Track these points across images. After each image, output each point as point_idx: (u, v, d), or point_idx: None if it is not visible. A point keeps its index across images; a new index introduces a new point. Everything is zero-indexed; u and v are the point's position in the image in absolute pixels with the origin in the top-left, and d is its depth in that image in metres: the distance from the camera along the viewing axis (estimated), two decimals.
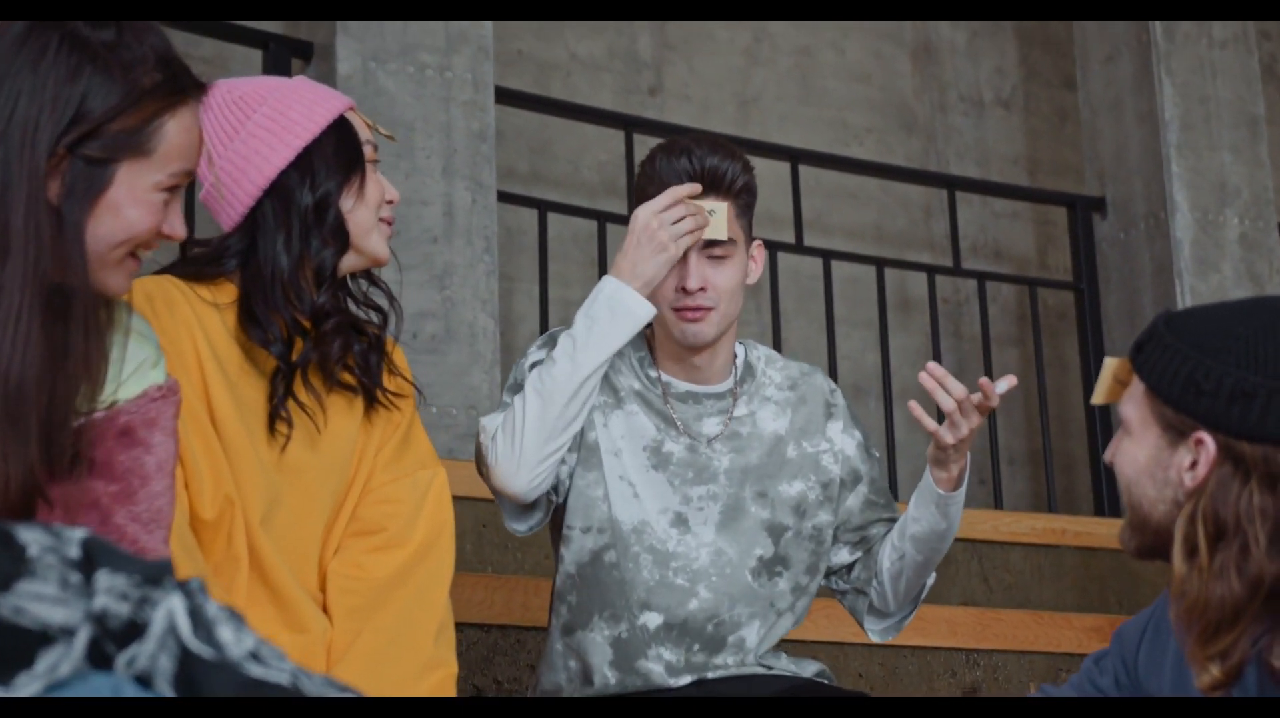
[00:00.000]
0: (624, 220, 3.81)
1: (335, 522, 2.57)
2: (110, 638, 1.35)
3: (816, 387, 3.01)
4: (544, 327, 4.75)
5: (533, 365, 2.86)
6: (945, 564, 4.47)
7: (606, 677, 2.84)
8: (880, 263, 5.49)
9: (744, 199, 2.88)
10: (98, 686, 1.34)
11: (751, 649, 2.89)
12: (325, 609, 2.53)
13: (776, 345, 4.97)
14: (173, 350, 2.36)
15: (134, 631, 1.36)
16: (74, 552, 1.36)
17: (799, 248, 5.34)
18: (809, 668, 2.95)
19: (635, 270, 2.76)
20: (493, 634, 3.80)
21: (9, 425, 1.89)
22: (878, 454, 3.06)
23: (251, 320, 2.49)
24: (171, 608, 1.36)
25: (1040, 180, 6.33)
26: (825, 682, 2.93)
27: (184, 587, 1.38)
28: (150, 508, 2.10)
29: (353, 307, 2.64)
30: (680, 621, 2.85)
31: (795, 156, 5.48)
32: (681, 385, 2.93)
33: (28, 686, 1.31)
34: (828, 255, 5.38)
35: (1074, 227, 5.80)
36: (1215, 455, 2.04)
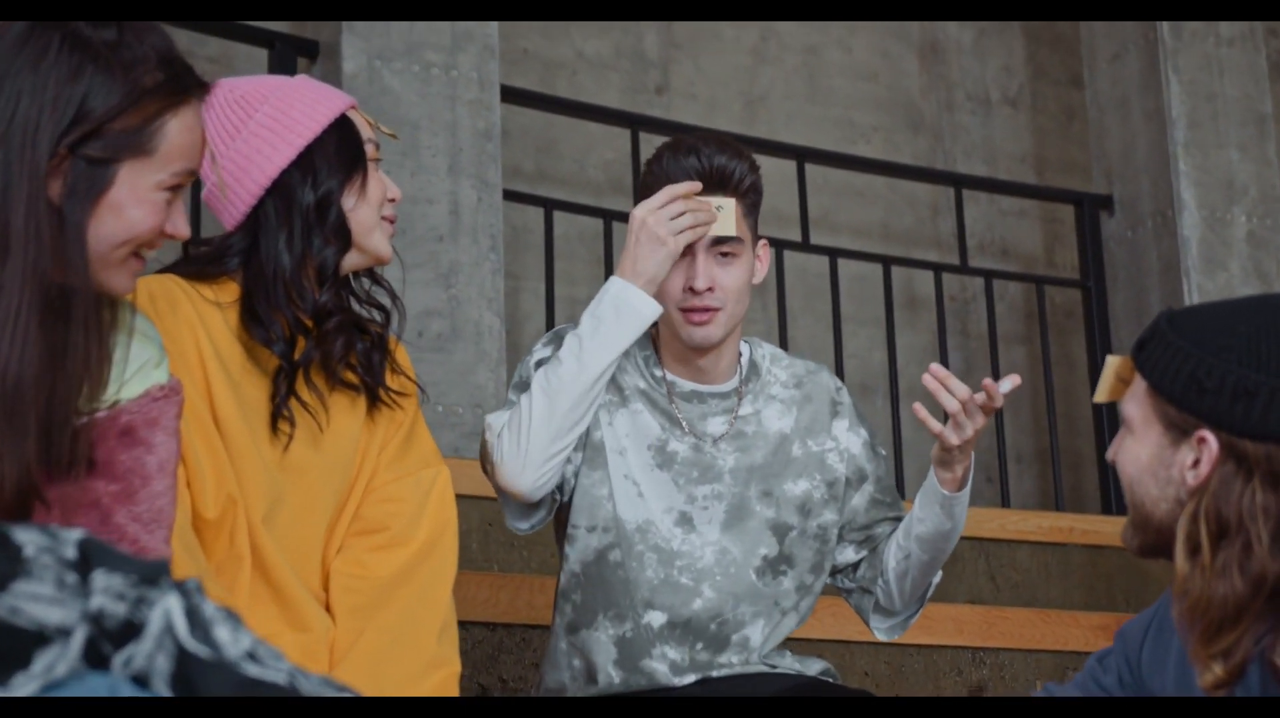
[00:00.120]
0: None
1: (338, 521, 2.57)
2: (107, 638, 1.35)
3: (822, 385, 3.00)
4: (550, 325, 4.75)
5: (538, 364, 2.85)
6: (952, 562, 4.47)
7: (611, 676, 2.84)
8: (887, 261, 5.48)
9: (751, 198, 2.88)
10: (94, 686, 1.34)
11: (756, 648, 2.88)
12: (328, 608, 2.53)
13: (783, 344, 4.97)
14: (175, 350, 2.36)
15: (131, 631, 1.36)
16: (70, 552, 1.36)
17: (806, 246, 5.34)
18: (814, 667, 2.95)
19: (637, 268, 2.76)
20: (498, 633, 3.80)
21: (6, 424, 1.89)
22: (884, 452, 3.05)
23: (254, 319, 2.49)
24: (168, 608, 1.36)
25: (1047, 179, 6.32)
26: (830, 680, 2.93)
27: (181, 587, 1.38)
28: (151, 508, 2.10)
29: (355, 305, 2.64)
30: (684, 620, 2.85)
31: (802, 155, 5.47)
32: (686, 385, 2.92)
33: (24, 686, 1.31)
34: (834, 254, 5.37)
35: (1081, 225, 5.79)
36: (1218, 454, 2.04)
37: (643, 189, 2.87)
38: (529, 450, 2.74)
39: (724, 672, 2.86)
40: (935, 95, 6.28)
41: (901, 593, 2.98)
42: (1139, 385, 2.14)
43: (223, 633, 1.38)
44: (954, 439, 2.76)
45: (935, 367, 2.76)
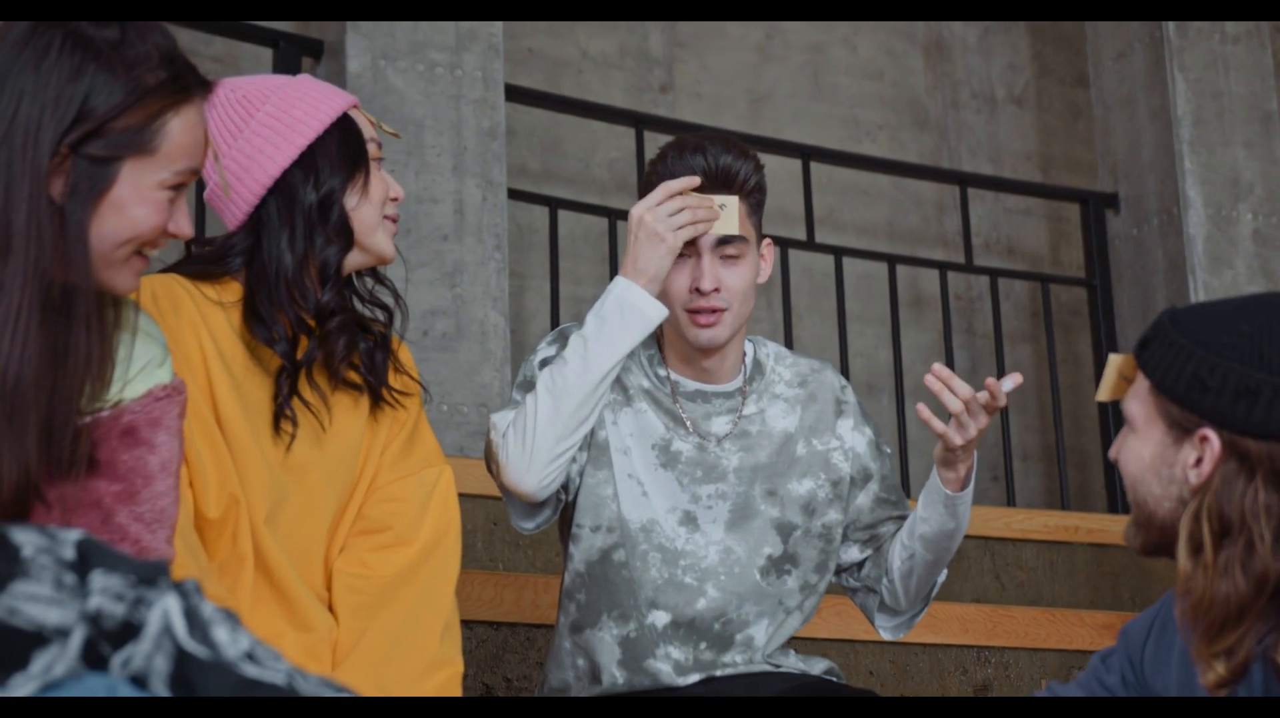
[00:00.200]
0: None
1: (340, 520, 2.57)
2: (105, 639, 1.35)
3: (827, 383, 3.00)
4: (555, 324, 4.75)
5: (542, 363, 2.85)
6: (958, 561, 4.47)
7: (615, 676, 2.84)
8: (892, 260, 5.48)
9: (755, 198, 2.87)
10: (93, 686, 1.33)
11: (759, 648, 2.88)
12: (330, 608, 2.53)
13: (788, 343, 4.96)
14: (178, 350, 2.36)
15: (129, 631, 1.36)
16: (69, 553, 1.36)
17: (811, 245, 5.34)
18: (818, 666, 2.94)
19: (638, 267, 2.75)
20: (503, 632, 3.80)
21: (6, 423, 1.89)
22: (889, 451, 3.04)
23: (256, 319, 2.49)
24: (167, 609, 1.35)
25: (1053, 177, 6.32)
26: (834, 680, 2.93)
27: (179, 587, 1.37)
28: (153, 508, 2.10)
29: (358, 305, 2.64)
30: (688, 620, 2.84)
31: (807, 153, 5.47)
32: (690, 385, 2.92)
33: (23, 687, 1.31)
34: (840, 252, 5.37)
35: (1087, 223, 5.78)
36: (1220, 452, 2.04)
37: (645, 189, 2.87)
38: (534, 451, 2.73)
39: (728, 671, 2.85)
40: (940, 93, 6.28)
41: (907, 592, 2.98)
42: (1141, 384, 2.14)
43: (221, 634, 1.38)
44: (957, 439, 2.76)
45: (937, 367, 2.76)
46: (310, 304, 2.51)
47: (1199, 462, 2.06)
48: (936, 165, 6.13)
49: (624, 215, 4.88)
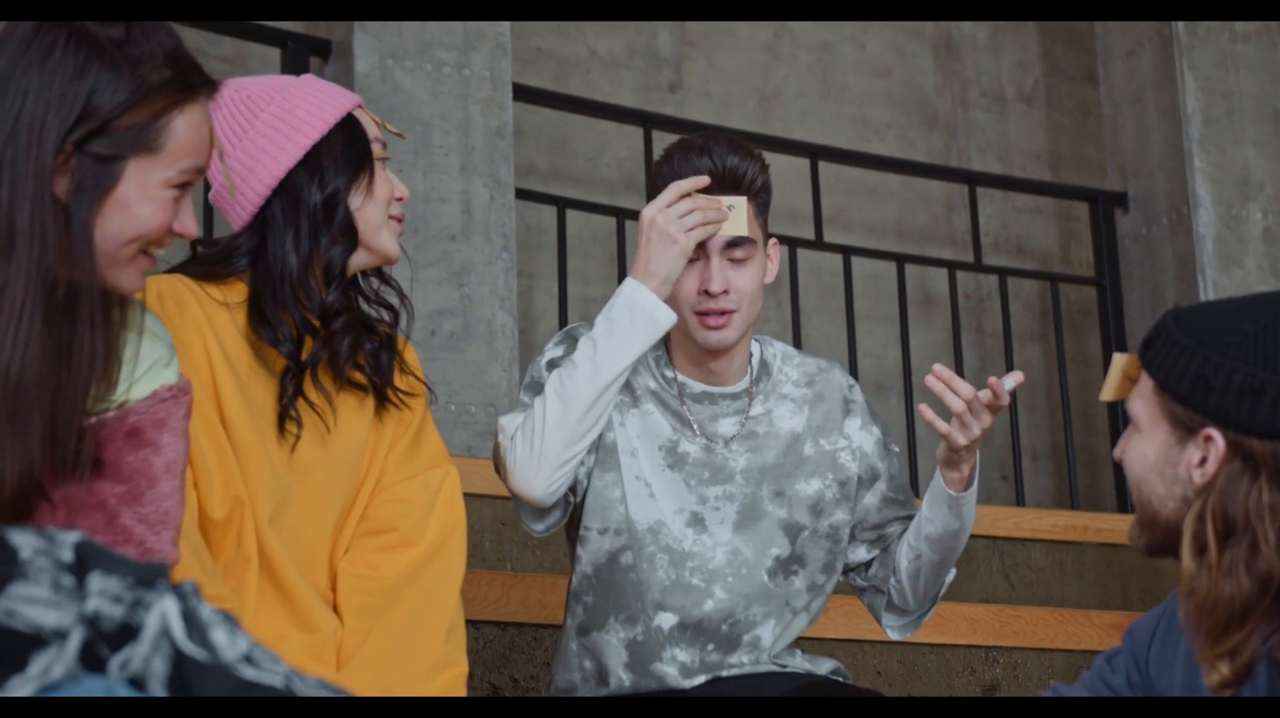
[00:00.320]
0: None
1: (345, 521, 2.57)
2: (103, 641, 1.35)
3: (834, 383, 2.99)
4: (563, 324, 4.74)
5: (549, 364, 2.84)
6: (966, 561, 4.46)
7: (621, 679, 2.83)
8: (901, 259, 5.47)
9: (762, 198, 2.87)
10: (91, 688, 1.33)
11: (766, 649, 2.88)
12: (335, 609, 2.52)
13: (797, 342, 4.96)
14: (183, 350, 2.36)
15: (127, 633, 1.35)
16: (67, 555, 1.36)
17: (819, 244, 5.33)
18: (824, 666, 2.94)
19: (649, 268, 2.74)
20: (509, 632, 3.80)
21: (8, 423, 1.88)
22: (897, 450, 3.04)
23: (261, 320, 2.49)
24: (165, 611, 1.35)
25: (1062, 175, 6.30)
26: (840, 679, 2.92)
27: (177, 589, 1.37)
28: (158, 509, 2.10)
29: (364, 305, 2.63)
30: (695, 621, 2.84)
31: (815, 152, 5.46)
32: (697, 386, 2.91)
33: (20, 689, 1.31)
34: (848, 252, 5.36)
35: (1096, 222, 5.77)
36: (1224, 452, 2.03)
37: (652, 189, 2.86)
38: (542, 456, 2.72)
39: (734, 672, 2.85)
40: (949, 92, 6.27)
41: (914, 592, 2.97)
42: (1146, 384, 2.14)
43: (219, 636, 1.38)
44: (961, 439, 2.76)
45: (938, 367, 2.75)
46: (315, 304, 2.51)
47: (1203, 462, 2.06)
48: (945, 164, 6.12)
49: (633, 215, 4.92)
